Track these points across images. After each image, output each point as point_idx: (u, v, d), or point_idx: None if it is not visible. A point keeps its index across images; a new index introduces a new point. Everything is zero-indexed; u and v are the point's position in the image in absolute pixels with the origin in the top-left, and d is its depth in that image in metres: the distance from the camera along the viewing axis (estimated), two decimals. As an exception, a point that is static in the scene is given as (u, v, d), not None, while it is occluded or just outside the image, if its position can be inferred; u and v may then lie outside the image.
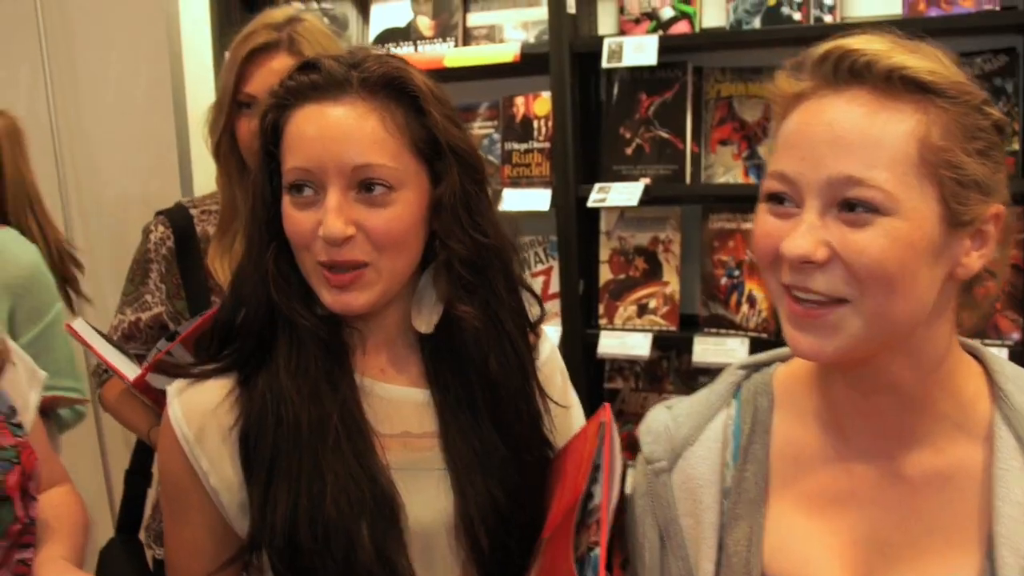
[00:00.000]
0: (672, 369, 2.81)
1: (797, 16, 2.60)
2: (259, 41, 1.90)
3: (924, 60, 1.04)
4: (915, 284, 1.02)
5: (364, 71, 1.25)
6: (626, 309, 2.79)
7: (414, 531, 1.27)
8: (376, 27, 3.17)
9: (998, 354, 1.17)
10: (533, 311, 1.42)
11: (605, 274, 2.83)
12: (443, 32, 3.04)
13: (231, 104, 1.92)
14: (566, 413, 1.47)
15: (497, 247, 1.33)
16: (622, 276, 2.81)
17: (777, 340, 2.54)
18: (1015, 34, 2.45)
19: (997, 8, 2.42)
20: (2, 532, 1.35)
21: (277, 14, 1.96)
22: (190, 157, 3.27)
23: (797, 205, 1.04)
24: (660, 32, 2.74)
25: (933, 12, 2.47)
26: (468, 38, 3.03)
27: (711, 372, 2.67)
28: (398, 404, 1.33)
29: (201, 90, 3.32)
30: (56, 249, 2.58)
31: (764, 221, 1.08)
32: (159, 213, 2.06)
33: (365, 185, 1.23)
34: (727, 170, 2.73)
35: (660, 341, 2.71)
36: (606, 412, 1.29)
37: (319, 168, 1.23)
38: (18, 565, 1.37)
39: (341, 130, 1.23)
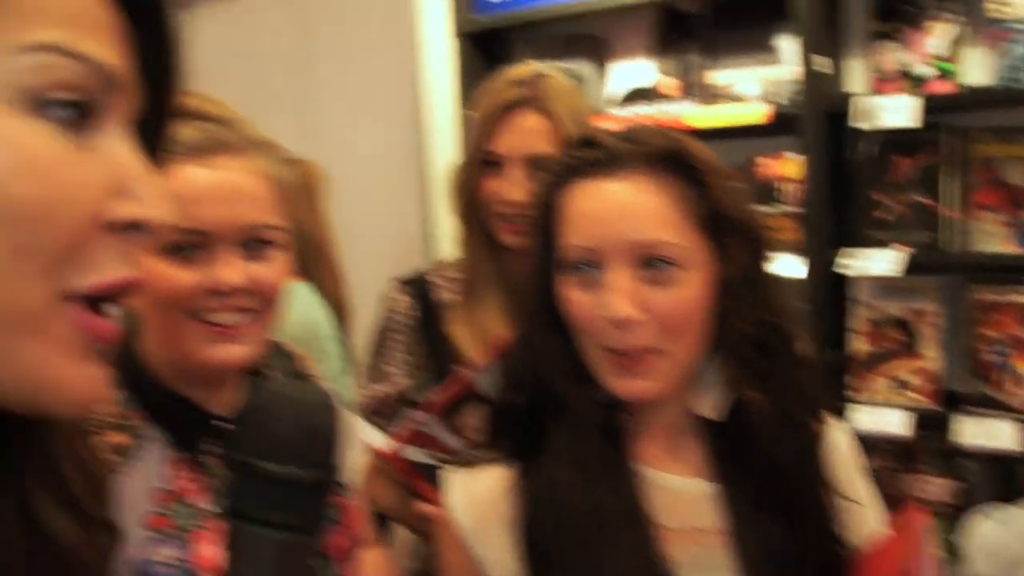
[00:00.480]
0: (929, 449, 2.64)
1: (1073, 72, 2.42)
2: (506, 99, 1.86)
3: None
4: None
5: (643, 145, 1.21)
6: (879, 383, 2.65)
7: None
8: (615, 86, 3.17)
9: None
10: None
11: (858, 345, 2.69)
12: (687, 92, 3.00)
13: (476, 164, 1.89)
14: (861, 510, 1.34)
15: (785, 327, 1.26)
16: (876, 348, 2.67)
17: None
18: None
19: None
20: None
21: (521, 71, 1.92)
22: (434, 219, 3.35)
23: None
24: (916, 91, 2.61)
25: None
26: (712, 98, 2.98)
27: (973, 456, 2.51)
28: (681, 495, 1.25)
29: (444, 152, 3.42)
30: (336, 307, 2.57)
31: None
32: (400, 282, 2.03)
33: (650, 264, 1.18)
34: (991, 237, 2.55)
35: (919, 420, 2.55)
36: (919, 516, 1.20)
37: (601, 246, 1.18)
38: None
39: (624, 206, 1.18)
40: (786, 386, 1.25)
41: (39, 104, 0.54)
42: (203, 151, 1.20)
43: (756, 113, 2.75)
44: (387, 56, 3.44)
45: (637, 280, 1.17)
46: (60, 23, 0.55)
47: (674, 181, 1.20)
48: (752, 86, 2.92)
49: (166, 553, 1.22)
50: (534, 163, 1.83)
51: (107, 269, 0.57)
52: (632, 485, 1.23)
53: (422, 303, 1.98)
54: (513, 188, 1.84)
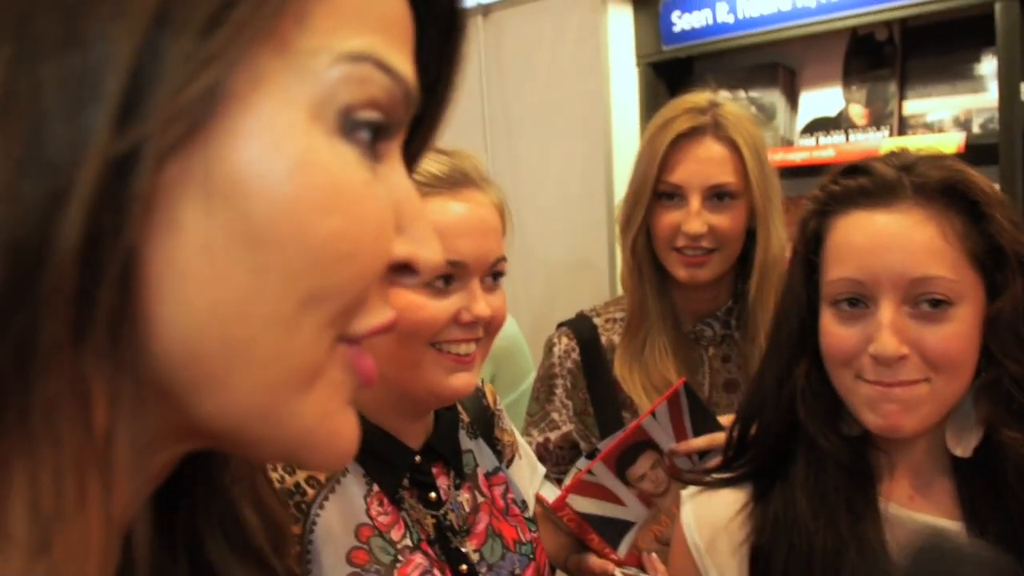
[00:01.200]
0: None
1: None
2: (683, 127, 1.78)
3: None
4: None
5: (919, 175, 1.17)
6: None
7: None
8: (805, 116, 3.12)
9: None
10: None
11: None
12: (877, 121, 2.93)
13: (651, 196, 1.81)
14: None
15: None
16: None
17: None
18: None
19: None
20: None
21: (697, 98, 1.85)
22: (615, 252, 3.38)
23: None
24: None
25: None
26: (904, 128, 2.90)
27: None
28: None
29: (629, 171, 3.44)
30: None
31: None
32: (561, 325, 1.99)
33: (922, 300, 1.14)
34: None
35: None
36: None
37: (871, 280, 1.16)
38: None
39: (896, 239, 1.15)
40: None
41: (348, 125, 0.45)
42: (454, 184, 1.25)
43: (951, 143, 2.66)
44: (575, 86, 3.49)
45: (906, 316, 1.15)
46: (377, 29, 0.46)
47: (953, 215, 1.15)
48: (946, 114, 2.83)
49: None
50: (714, 193, 1.79)
51: (378, 312, 0.50)
52: (873, 525, 1.20)
53: (584, 346, 1.92)
54: (692, 220, 1.77)
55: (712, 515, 1.29)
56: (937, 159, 1.21)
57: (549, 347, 1.96)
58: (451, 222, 1.24)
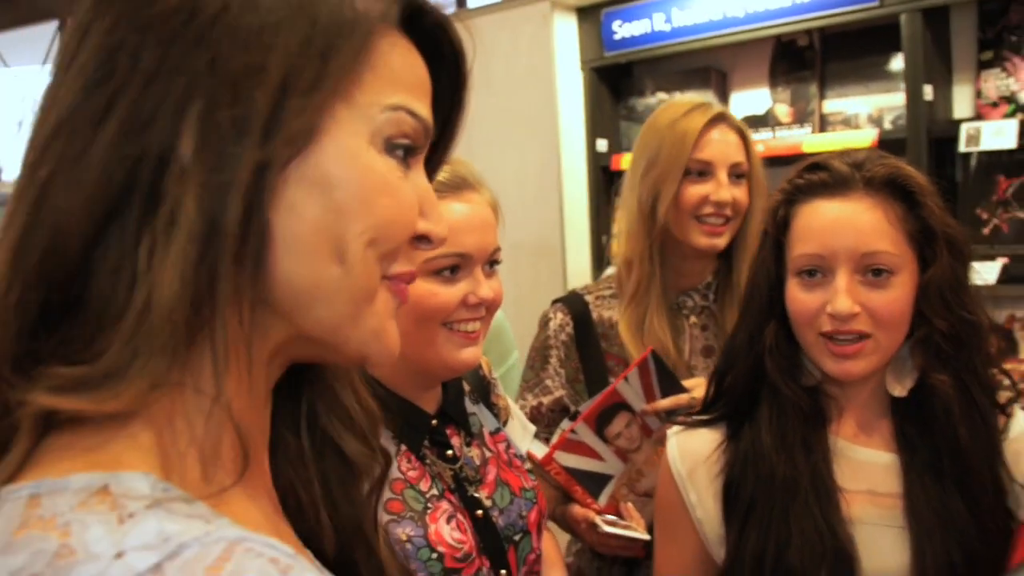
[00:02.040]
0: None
1: None
2: (713, 112, 2.10)
3: None
4: None
5: (868, 171, 1.44)
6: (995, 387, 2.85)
7: None
8: (735, 114, 3.41)
9: None
10: (1005, 394, 1.50)
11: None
12: (800, 119, 3.26)
13: (681, 172, 2.07)
14: None
15: (977, 324, 1.45)
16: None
17: None
18: None
19: None
20: (522, 560, 1.57)
21: (698, 98, 2.22)
22: (567, 234, 3.66)
23: None
24: (1020, 115, 2.82)
25: None
26: (825, 124, 3.23)
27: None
28: (866, 464, 1.47)
29: (575, 172, 3.75)
30: None
31: None
32: (556, 301, 2.23)
33: (870, 270, 1.41)
34: (1090, 249, 2.75)
35: (1016, 418, 2.75)
36: None
37: (830, 254, 1.42)
38: None
39: (850, 222, 1.41)
40: (971, 374, 1.44)
41: (389, 146, 0.72)
42: (456, 188, 1.49)
43: (865, 138, 2.99)
44: (527, 89, 3.76)
45: (858, 283, 1.41)
46: (408, 90, 0.73)
47: (893, 201, 1.43)
48: (861, 112, 3.16)
49: (406, 532, 1.42)
50: (734, 172, 2.09)
51: (404, 263, 0.75)
52: (823, 457, 1.46)
53: (578, 320, 2.16)
54: (721, 190, 2.06)
55: (693, 450, 1.53)
56: (882, 158, 1.49)
57: (545, 321, 2.20)
58: (456, 221, 1.45)
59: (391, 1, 0.74)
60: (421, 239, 0.76)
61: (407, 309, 1.41)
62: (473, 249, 1.47)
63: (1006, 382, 1.50)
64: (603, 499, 1.93)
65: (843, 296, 1.40)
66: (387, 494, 1.45)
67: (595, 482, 1.92)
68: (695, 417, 1.58)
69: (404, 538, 1.42)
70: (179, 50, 0.65)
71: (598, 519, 1.89)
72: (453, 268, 1.47)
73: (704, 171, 2.09)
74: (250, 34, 0.66)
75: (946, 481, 1.42)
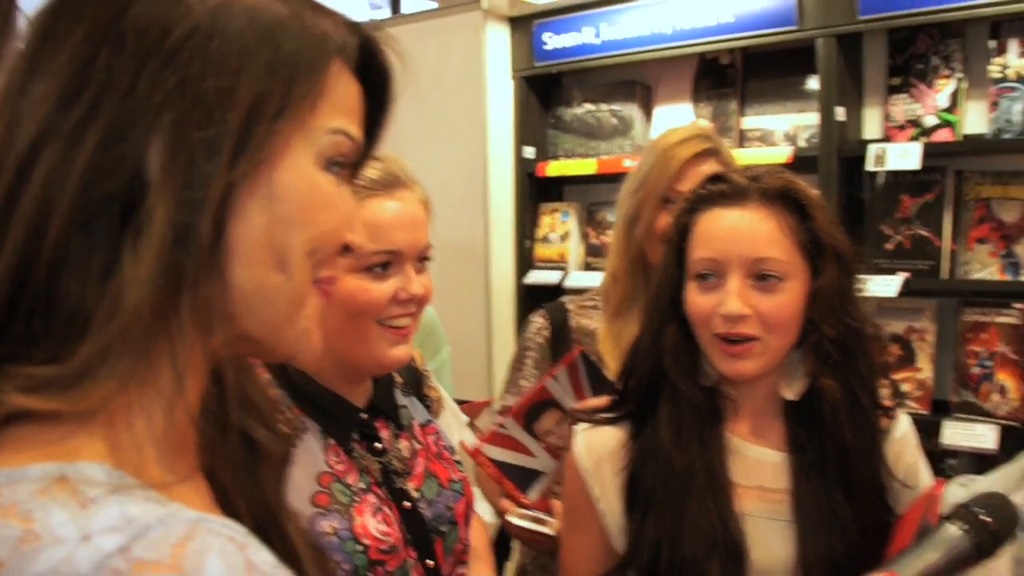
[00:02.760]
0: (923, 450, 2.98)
1: (1057, 126, 2.78)
2: (700, 148, 2.14)
3: None
4: None
5: (763, 184, 1.52)
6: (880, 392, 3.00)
7: (757, 572, 1.48)
8: (658, 127, 3.55)
9: None
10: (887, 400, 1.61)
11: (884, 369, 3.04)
12: (720, 133, 3.37)
13: (660, 200, 2.11)
14: (912, 491, 1.58)
15: (862, 333, 1.54)
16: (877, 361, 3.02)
17: (1026, 429, 2.71)
18: None
19: None
20: (450, 551, 1.61)
21: (702, 127, 2.24)
22: (489, 249, 3.75)
23: None
24: (923, 138, 2.99)
25: None
26: (743, 140, 3.37)
27: (959, 456, 2.85)
28: (758, 462, 1.54)
29: (502, 178, 3.84)
30: None
31: None
32: (540, 307, 2.31)
33: (761, 275, 1.48)
34: (983, 267, 2.92)
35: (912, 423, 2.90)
36: (939, 487, 1.48)
37: (724, 259, 1.49)
38: None
39: (744, 230, 1.49)
40: (857, 380, 1.52)
41: (328, 164, 0.78)
42: (389, 186, 1.53)
43: (781, 155, 3.13)
44: (457, 96, 3.83)
45: (748, 287, 1.48)
46: (347, 114, 0.80)
47: (786, 213, 1.50)
48: (777, 130, 3.31)
49: (331, 525, 1.44)
50: None
51: (329, 269, 0.82)
52: (718, 453, 1.53)
53: (554, 326, 2.24)
54: None
55: (598, 446, 1.59)
56: (777, 173, 1.58)
57: (528, 324, 2.31)
58: (388, 218, 1.49)
59: (348, 35, 0.81)
60: (346, 248, 0.83)
61: (339, 306, 1.49)
62: (404, 246, 1.50)
63: (889, 390, 1.62)
64: (533, 494, 1.96)
65: (733, 298, 1.47)
66: (315, 488, 1.48)
67: (525, 477, 1.96)
68: (601, 415, 1.64)
69: (330, 531, 1.45)
70: (152, 68, 0.70)
71: (510, 511, 1.94)
72: (384, 264, 1.50)
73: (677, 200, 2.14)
74: (220, 57, 0.72)
75: (831, 479, 1.50)
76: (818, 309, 1.51)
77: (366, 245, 1.49)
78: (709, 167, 2.10)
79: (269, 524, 0.88)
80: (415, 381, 1.79)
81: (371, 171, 1.53)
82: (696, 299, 1.53)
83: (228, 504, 0.84)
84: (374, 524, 1.49)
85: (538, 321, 2.27)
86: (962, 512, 1.25)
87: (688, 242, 1.56)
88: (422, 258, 1.56)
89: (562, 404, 1.95)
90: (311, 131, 0.76)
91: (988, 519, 1.24)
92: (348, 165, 0.82)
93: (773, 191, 1.52)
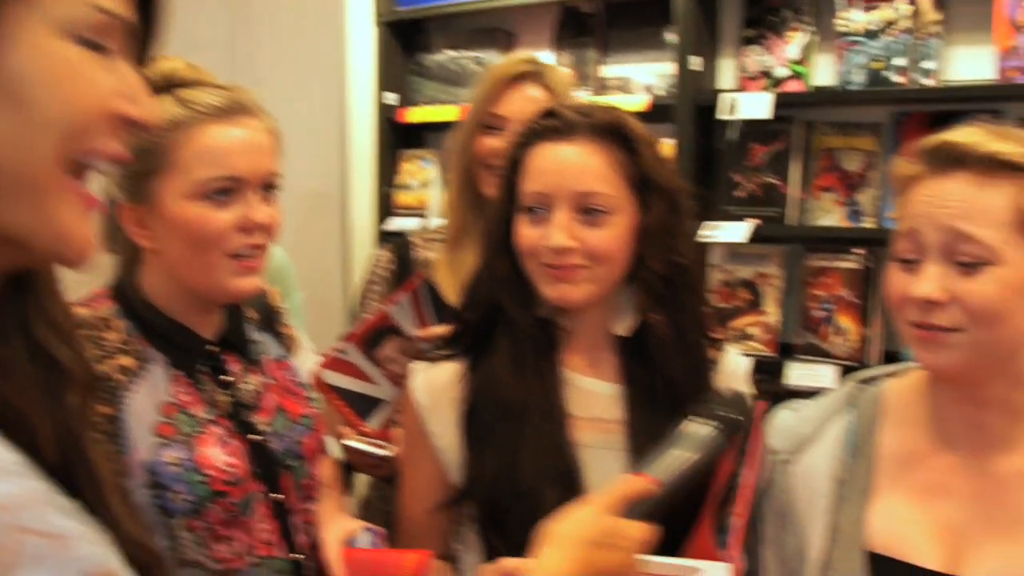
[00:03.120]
0: (767, 391, 3.08)
1: (899, 79, 2.88)
2: (518, 70, 2.16)
3: (1014, 145, 1.31)
4: (1014, 317, 1.29)
5: (593, 119, 1.53)
6: (728, 334, 3.09)
7: None
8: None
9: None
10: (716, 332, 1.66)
11: (713, 302, 3.13)
12: (580, 82, 3.41)
13: (479, 127, 2.17)
14: None
15: (689, 268, 1.58)
16: (727, 305, 3.13)
17: (862, 367, 2.81)
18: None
19: (1083, 78, 2.66)
20: (298, 486, 1.63)
21: (524, 54, 2.25)
22: (348, 191, 3.70)
23: (921, 260, 1.32)
24: (774, 89, 3.06)
25: (1021, 79, 2.71)
26: (603, 88, 3.40)
27: (802, 395, 2.95)
28: (593, 394, 1.57)
29: (362, 127, 3.80)
30: None
31: (894, 277, 1.36)
32: (385, 242, 2.33)
33: (587, 209, 1.50)
34: (828, 214, 3.03)
35: (758, 365, 2.98)
36: (758, 408, 1.51)
37: (552, 193, 1.51)
38: (307, 514, 1.64)
39: (572, 164, 1.51)
40: (685, 314, 1.56)
41: (80, 39, 0.76)
42: (231, 112, 1.51)
43: (639, 103, 3.17)
44: (317, 40, 3.77)
45: (576, 221, 1.50)
46: None
47: (615, 149, 1.52)
48: (636, 79, 3.35)
49: (173, 455, 1.46)
50: None
51: (106, 144, 0.79)
52: (554, 384, 1.56)
53: (400, 259, 2.25)
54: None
55: (435, 381, 1.60)
56: (607, 109, 1.61)
57: (373, 260, 2.31)
58: (228, 144, 1.48)
59: None
60: (132, 124, 0.81)
61: (181, 234, 1.48)
62: (245, 172, 1.49)
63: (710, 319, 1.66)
64: (374, 422, 1.95)
65: (558, 231, 1.49)
66: (158, 418, 1.48)
67: (365, 404, 1.94)
68: (438, 352, 1.65)
69: (172, 461, 1.45)
70: None
71: (347, 435, 1.93)
72: (224, 191, 1.48)
73: (498, 126, 2.15)
74: None
75: (662, 409, 1.53)
76: (646, 245, 1.54)
77: (205, 171, 1.48)
78: (530, 90, 2.14)
79: (72, 449, 0.86)
80: (269, 317, 1.78)
81: (213, 97, 1.52)
82: (525, 231, 1.54)
83: (26, 428, 0.81)
84: (218, 455, 1.50)
85: (384, 255, 2.27)
86: (702, 410, 1.33)
87: (519, 176, 1.57)
88: (268, 187, 1.54)
89: (404, 331, 1.94)
90: (43, 5, 0.74)
91: (725, 413, 1.32)
92: (112, 41, 0.79)
93: (603, 127, 1.53)
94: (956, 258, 1.29)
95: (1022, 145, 1.32)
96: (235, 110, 1.52)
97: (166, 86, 1.51)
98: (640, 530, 1.22)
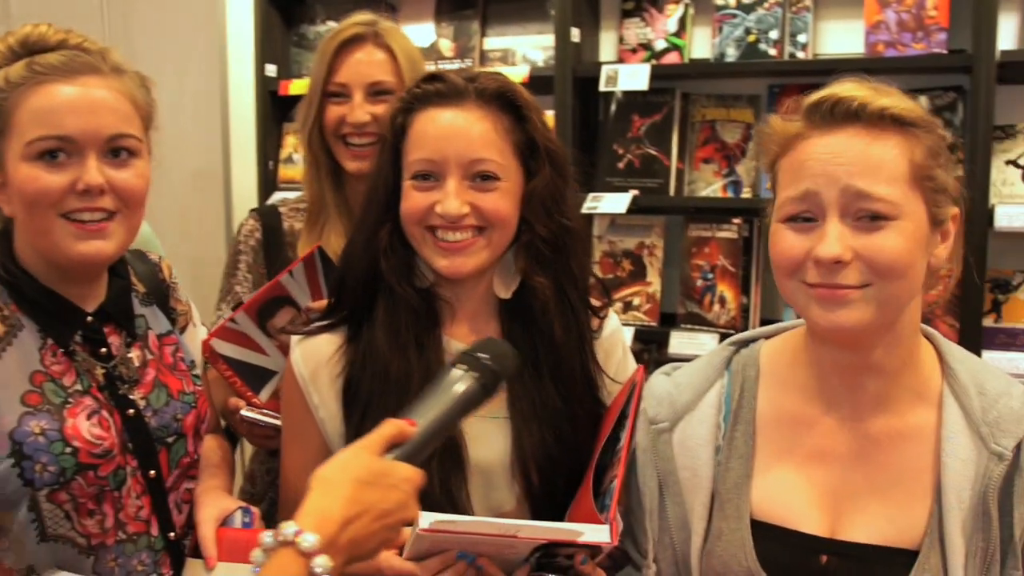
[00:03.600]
0: (651, 360, 3.15)
1: (773, 52, 2.95)
2: (348, 34, 2.11)
3: (901, 100, 1.31)
4: (914, 271, 1.29)
5: (480, 84, 1.53)
6: (613, 305, 3.13)
7: (476, 469, 1.52)
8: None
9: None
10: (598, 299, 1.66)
11: (596, 272, 3.17)
12: (462, 54, 3.41)
13: (321, 95, 2.12)
14: (619, 385, 1.65)
15: (574, 233, 1.59)
16: (610, 276, 3.17)
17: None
18: (962, 74, 2.77)
19: (944, 51, 2.75)
20: (175, 463, 1.59)
21: (358, 16, 2.17)
22: (230, 166, 3.64)
23: (817, 219, 1.29)
24: (653, 61, 3.10)
25: (890, 53, 2.80)
26: (484, 60, 3.39)
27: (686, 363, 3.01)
28: None
29: (243, 97, 3.73)
30: None
31: (787, 238, 1.32)
32: (252, 211, 2.25)
33: (478, 175, 1.50)
34: (708, 185, 3.09)
35: (641, 335, 3.06)
36: (639, 373, 1.55)
37: (441, 160, 1.50)
38: (184, 492, 1.61)
39: (461, 130, 1.50)
40: (567, 277, 1.57)
41: None
42: (69, 72, 1.45)
43: (518, 75, 3.17)
44: (194, 11, 3.68)
45: (466, 187, 1.50)
46: None
47: (503, 115, 1.52)
48: (517, 50, 3.36)
49: (39, 425, 1.42)
50: (374, 90, 2.11)
51: None
52: (435, 354, 1.55)
53: (268, 228, 2.19)
54: (356, 111, 2.08)
55: (315, 353, 1.57)
56: (494, 75, 1.60)
57: (238, 229, 2.23)
58: (58, 103, 1.43)
59: None
60: None
61: (18, 197, 1.43)
62: (76, 132, 1.44)
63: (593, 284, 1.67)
64: (265, 394, 1.91)
65: (451, 198, 1.49)
66: (26, 387, 1.45)
67: (257, 376, 1.91)
68: (316, 324, 1.63)
69: (37, 431, 1.43)
70: None
71: (246, 409, 1.89)
72: (54, 152, 1.44)
73: (342, 93, 2.12)
74: None
75: (544, 374, 1.56)
76: (532, 209, 1.55)
77: (33, 131, 1.43)
78: (366, 53, 2.11)
79: None
80: (160, 292, 1.73)
81: (57, 58, 1.47)
82: (413, 197, 1.53)
83: None
84: (87, 427, 1.47)
85: (249, 223, 2.22)
86: (465, 358, 1.32)
87: (404, 143, 1.55)
88: (116, 149, 1.48)
89: (297, 301, 1.91)
90: None
91: (487, 360, 1.31)
92: None
93: (489, 92, 1.54)
94: (857, 215, 1.27)
95: (903, 100, 1.32)
96: (75, 69, 1.46)
97: (25, 52, 1.46)
98: (406, 470, 1.20)
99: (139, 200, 1.52)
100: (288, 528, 1.09)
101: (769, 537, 1.38)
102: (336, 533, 1.11)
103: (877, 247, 1.26)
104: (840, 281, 1.27)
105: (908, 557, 1.32)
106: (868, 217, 1.27)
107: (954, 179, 1.34)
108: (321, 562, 1.08)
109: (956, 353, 1.41)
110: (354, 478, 1.16)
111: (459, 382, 1.29)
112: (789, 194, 1.31)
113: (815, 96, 1.32)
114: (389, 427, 1.22)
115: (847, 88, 1.31)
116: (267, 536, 1.11)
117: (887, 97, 1.30)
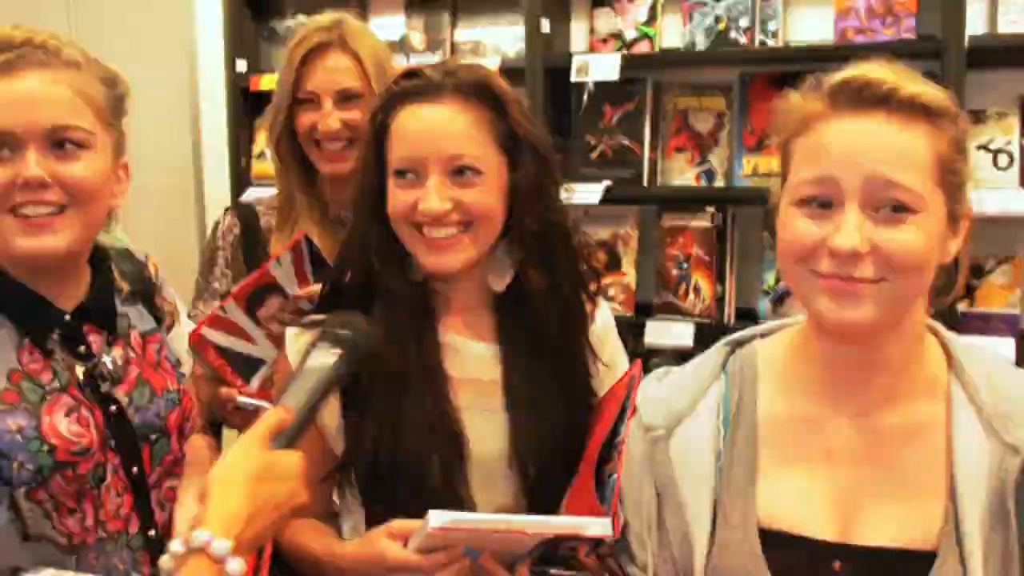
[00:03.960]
0: (629, 352, 3.13)
1: (744, 40, 2.95)
2: (313, 42, 2.10)
3: (931, 88, 1.23)
4: (929, 268, 1.23)
5: (457, 78, 1.52)
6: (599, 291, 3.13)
7: (476, 462, 1.52)
8: (373, 39, 3.50)
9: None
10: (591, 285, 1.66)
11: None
12: (432, 46, 3.40)
13: (290, 103, 2.13)
14: (611, 371, 1.67)
15: (562, 225, 1.58)
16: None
17: (718, 325, 2.90)
18: (931, 59, 2.77)
19: (914, 37, 2.76)
20: (158, 461, 1.57)
21: (323, 19, 2.16)
22: (202, 163, 3.61)
23: (834, 205, 1.21)
24: (624, 51, 3.10)
25: (859, 39, 2.81)
26: (455, 52, 3.38)
27: (662, 353, 3.02)
28: (472, 355, 1.58)
29: (214, 94, 3.70)
30: None
31: (800, 223, 1.23)
32: (228, 208, 2.26)
33: (459, 171, 1.49)
34: (680, 174, 3.10)
35: (617, 325, 3.03)
36: (637, 367, 1.54)
37: (421, 157, 1.49)
38: (167, 491, 1.59)
39: (441, 126, 1.50)
40: (559, 268, 1.57)
41: None
42: (9, 68, 1.41)
43: (490, 66, 3.14)
44: (163, 6, 3.65)
45: (448, 183, 1.49)
46: None
47: (482, 108, 1.51)
48: (488, 42, 3.36)
49: (15, 422, 1.41)
50: (343, 96, 2.11)
51: None
52: (433, 348, 1.56)
53: (244, 225, 2.20)
54: (327, 120, 2.08)
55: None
56: (473, 67, 1.60)
57: (214, 226, 2.25)
58: None
59: None
60: None
61: None
62: (13, 126, 1.41)
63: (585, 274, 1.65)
64: (255, 382, 1.92)
65: (433, 195, 1.48)
66: (3, 384, 1.44)
67: (247, 365, 1.92)
68: (311, 317, 1.61)
69: (14, 428, 1.41)
70: None
71: (240, 397, 1.88)
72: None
73: (312, 100, 2.12)
74: None
75: (540, 367, 1.57)
76: (519, 202, 1.54)
77: None
78: (333, 60, 2.11)
79: None
80: (145, 291, 1.72)
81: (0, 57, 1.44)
82: (398, 196, 1.52)
83: None
84: (65, 424, 1.46)
85: (227, 220, 2.22)
86: (325, 335, 1.34)
87: (387, 140, 1.55)
88: (59, 142, 1.45)
89: (285, 289, 1.91)
90: None
91: (346, 334, 1.33)
92: None
93: (468, 85, 1.52)
94: (880, 205, 1.20)
95: (933, 88, 1.24)
96: (16, 65, 1.43)
97: None
98: (291, 458, 1.22)
99: (90, 193, 1.47)
100: (199, 534, 1.11)
101: (778, 545, 1.30)
102: (242, 532, 1.14)
103: (898, 242, 1.19)
104: (854, 274, 1.20)
105: (924, 559, 1.24)
106: (891, 208, 1.19)
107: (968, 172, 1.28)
108: (234, 566, 1.10)
109: (961, 343, 1.35)
110: (249, 475, 1.19)
111: (323, 359, 1.31)
112: (805, 176, 1.24)
113: (841, 76, 1.24)
114: (272, 416, 1.25)
115: (876, 70, 1.23)
116: (176, 544, 1.12)
117: (917, 84, 1.23)
